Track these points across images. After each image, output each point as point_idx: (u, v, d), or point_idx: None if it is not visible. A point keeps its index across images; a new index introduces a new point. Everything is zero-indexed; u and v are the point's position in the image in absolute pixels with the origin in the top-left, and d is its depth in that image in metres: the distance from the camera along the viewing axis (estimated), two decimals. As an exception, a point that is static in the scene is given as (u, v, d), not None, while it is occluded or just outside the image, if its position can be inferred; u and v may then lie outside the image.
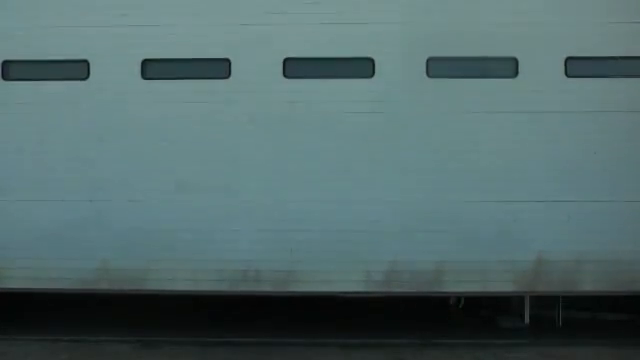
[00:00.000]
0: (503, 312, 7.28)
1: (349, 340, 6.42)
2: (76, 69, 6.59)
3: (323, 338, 6.44)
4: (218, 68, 6.52)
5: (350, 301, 7.20)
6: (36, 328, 7.05)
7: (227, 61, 6.52)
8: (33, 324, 7.31)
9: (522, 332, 6.86)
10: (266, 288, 6.44)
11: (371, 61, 6.46)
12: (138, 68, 6.56)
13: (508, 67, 6.44)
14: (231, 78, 6.52)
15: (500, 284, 6.37)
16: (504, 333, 6.78)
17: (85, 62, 6.58)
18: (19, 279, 6.53)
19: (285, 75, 6.50)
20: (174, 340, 6.50)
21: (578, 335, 6.64)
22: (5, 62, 6.64)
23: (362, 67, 6.48)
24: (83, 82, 6.59)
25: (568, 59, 6.39)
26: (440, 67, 6.45)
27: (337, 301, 7.21)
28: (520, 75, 6.41)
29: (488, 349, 6.26)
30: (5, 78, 6.64)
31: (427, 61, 6.45)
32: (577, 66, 6.39)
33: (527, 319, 7.02)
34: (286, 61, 6.51)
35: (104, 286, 6.51)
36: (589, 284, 6.32)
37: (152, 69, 6.58)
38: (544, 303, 7.18)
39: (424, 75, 6.44)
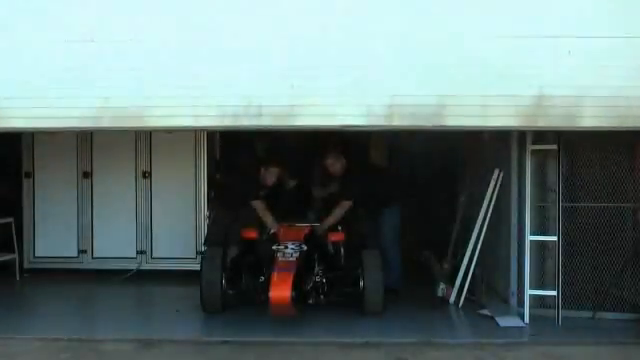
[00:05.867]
0: (502, 311, 7.28)
1: (349, 340, 6.42)
2: None
3: (323, 338, 6.45)
4: None
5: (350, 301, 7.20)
6: (36, 327, 7.07)
7: None
8: (33, 323, 7.32)
9: (522, 331, 6.86)
10: (267, 122, 6.35)
11: None
12: None
13: None
14: None
15: (501, 119, 6.28)
16: (504, 332, 6.77)
17: None
18: (21, 118, 6.46)
19: None
20: (174, 339, 6.51)
21: (578, 335, 6.64)
22: None
23: None
24: None
25: None
26: None
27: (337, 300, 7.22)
28: None
29: (488, 348, 6.26)
30: None
31: None
32: None
33: (527, 318, 7.03)
34: None
35: (105, 124, 6.44)
36: (590, 119, 6.22)
37: None
38: (544, 302, 7.21)
39: None
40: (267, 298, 6.43)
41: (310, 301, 7.07)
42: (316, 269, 7.23)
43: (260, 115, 6.29)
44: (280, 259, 6.87)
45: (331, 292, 7.23)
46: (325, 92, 6.26)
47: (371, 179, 7.91)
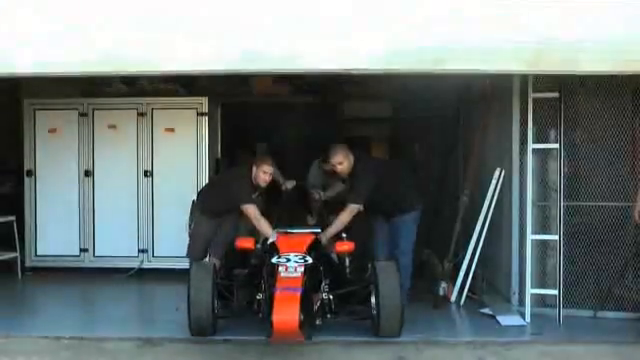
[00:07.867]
0: (504, 310, 7.28)
1: (350, 338, 6.42)
2: None
3: (324, 336, 6.43)
4: None
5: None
6: (38, 325, 7.08)
7: None
8: (35, 321, 7.33)
9: (523, 330, 6.86)
10: (268, 66, 6.39)
11: None
12: None
13: None
14: None
15: (501, 63, 6.23)
16: (505, 331, 6.77)
17: None
18: (28, 65, 6.44)
19: None
20: (175, 338, 6.51)
21: (579, 333, 6.64)
22: None
23: None
24: None
25: None
26: None
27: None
28: None
29: (488, 347, 6.26)
30: None
31: None
32: None
33: (528, 317, 7.03)
34: None
35: (108, 69, 6.48)
36: (590, 64, 6.19)
37: None
38: (545, 301, 7.21)
39: None
40: (269, 322, 5.37)
41: (317, 322, 5.99)
42: (323, 284, 6.21)
43: (260, 59, 6.25)
44: (282, 275, 5.84)
45: (340, 311, 6.30)
46: (325, 36, 6.22)
47: (384, 179, 7.18)
